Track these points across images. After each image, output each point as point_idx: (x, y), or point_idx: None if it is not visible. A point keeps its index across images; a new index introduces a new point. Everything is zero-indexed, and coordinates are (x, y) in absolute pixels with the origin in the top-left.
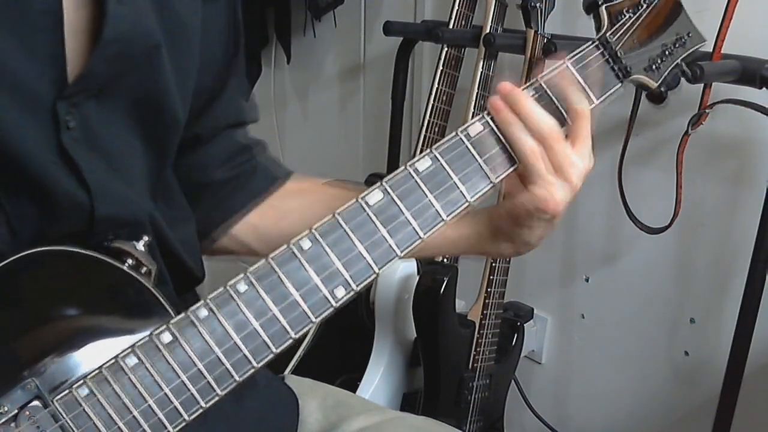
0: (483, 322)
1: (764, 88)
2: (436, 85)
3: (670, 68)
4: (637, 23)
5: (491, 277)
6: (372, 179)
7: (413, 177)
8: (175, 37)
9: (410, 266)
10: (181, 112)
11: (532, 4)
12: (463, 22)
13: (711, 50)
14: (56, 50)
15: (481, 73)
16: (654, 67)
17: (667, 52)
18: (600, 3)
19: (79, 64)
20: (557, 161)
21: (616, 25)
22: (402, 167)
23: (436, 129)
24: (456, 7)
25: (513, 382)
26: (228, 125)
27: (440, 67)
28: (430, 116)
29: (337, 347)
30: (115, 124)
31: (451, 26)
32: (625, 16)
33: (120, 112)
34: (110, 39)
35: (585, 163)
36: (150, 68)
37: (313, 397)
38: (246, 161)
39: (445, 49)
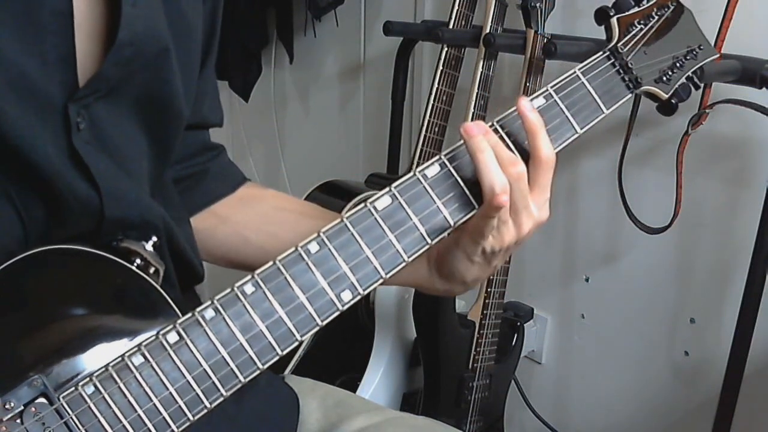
0: (483, 322)
1: (764, 88)
2: (436, 85)
3: (680, 80)
4: (648, 34)
5: (491, 277)
6: (372, 179)
7: (422, 182)
8: (182, 38)
9: None
10: (186, 111)
11: (532, 4)
12: (463, 22)
13: None
14: (67, 52)
15: (481, 73)
16: (665, 78)
17: (678, 64)
18: (611, 14)
19: (91, 65)
20: (517, 203)
21: (627, 36)
22: (411, 173)
23: (436, 129)
24: (456, 7)
25: (513, 382)
26: (189, 126)
27: (440, 67)
28: (430, 116)
29: (337, 347)
30: (124, 125)
31: (451, 26)
32: (636, 27)
33: (128, 113)
34: (125, 42)
35: (541, 214)
36: (159, 70)
37: (314, 397)
38: (199, 164)
39: (445, 49)
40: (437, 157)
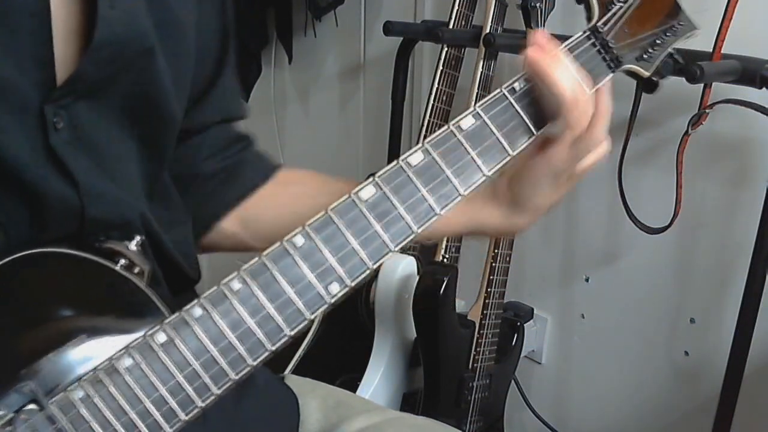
0: (483, 322)
1: (764, 88)
2: (436, 85)
3: (661, 57)
4: (628, 12)
5: (491, 277)
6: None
7: (405, 171)
8: (171, 37)
9: (410, 266)
10: (179, 112)
11: (532, 4)
12: (463, 22)
13: (711, 50)
14: (44, 53)
15: (481, 73)
16: (645, 56)
17: (658, 41)
18: None
19: (70, 66)
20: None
21: (607, 15)
22: (394, 161)
23: (436, 129)
24: (456, 7)
25: (513, 382)
26: (216, 121)
27: (440, 67)
28: (430, 116)
29: (337, 347)
30: (108, 125)
31: (451, 26)
32: (615, 5)
33: (112, 113)
34: (102, 42)
35: (605, 144)
36: (144, 70)
37: (313, 397)
38: (234, 154)
39: (445, 49)
40: (420, 145)
